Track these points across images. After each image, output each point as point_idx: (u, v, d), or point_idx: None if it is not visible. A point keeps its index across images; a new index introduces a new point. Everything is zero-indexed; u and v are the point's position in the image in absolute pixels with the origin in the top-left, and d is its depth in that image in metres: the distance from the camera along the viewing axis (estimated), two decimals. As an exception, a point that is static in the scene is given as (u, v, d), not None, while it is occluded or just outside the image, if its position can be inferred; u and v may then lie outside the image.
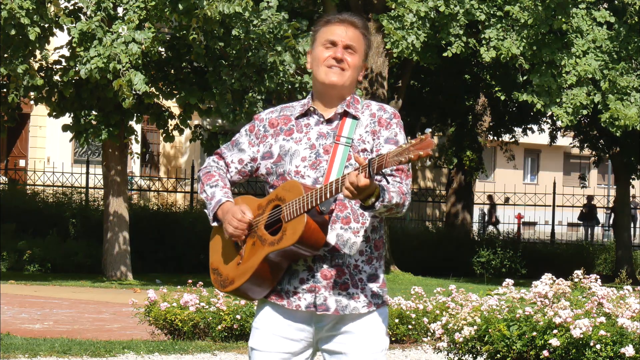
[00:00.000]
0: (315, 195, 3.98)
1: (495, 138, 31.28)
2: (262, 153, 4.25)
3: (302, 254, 4.06)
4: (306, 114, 4.25)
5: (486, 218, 34.99)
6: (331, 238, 4.10)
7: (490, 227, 34.43)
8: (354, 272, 4.14)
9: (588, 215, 35.99)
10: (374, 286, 4.18)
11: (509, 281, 9.03)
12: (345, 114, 4.21)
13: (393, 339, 11.17)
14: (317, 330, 4.17)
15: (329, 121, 4.21)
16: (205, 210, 4.29)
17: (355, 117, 4.20)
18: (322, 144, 4.17)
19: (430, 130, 3.82)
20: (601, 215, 40.47)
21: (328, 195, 3.96)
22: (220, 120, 20.45)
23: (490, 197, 35.11)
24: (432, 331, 9.13)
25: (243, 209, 4.14)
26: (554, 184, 32.46)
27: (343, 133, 4.17)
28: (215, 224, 4.25)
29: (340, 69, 4.17)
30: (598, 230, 39.55)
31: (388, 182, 4.09)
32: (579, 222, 38.61)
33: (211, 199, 4.23)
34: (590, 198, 35.78)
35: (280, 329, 4.17)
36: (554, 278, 8.60)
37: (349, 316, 4.15)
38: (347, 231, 4.12)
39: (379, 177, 4.09)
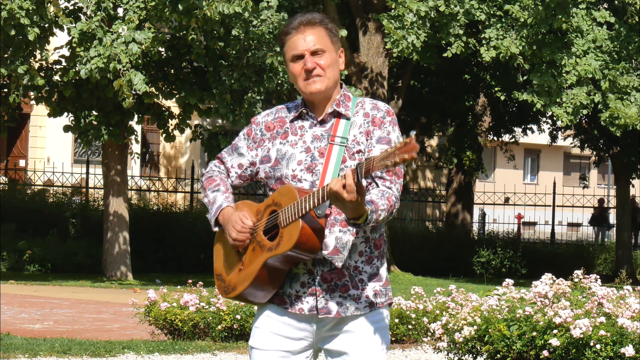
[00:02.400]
0: (310, 199, 3.98)
1: (495, 138, 31.28)
2: (261, 157, 4.27)
3: (301, 258, 4.08)
4: (300, 116, 4.25)
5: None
6: (330, 241, 4.11)
7: None
8: (354, 274, 4.15)
9: (599, 217, 35.84)
10: (376, 285, 4.18)
11: (509, 281, 9.03)
12: (337, 114, 4.21)
13: (393, 339, 11.18)
14: (318, 330, 4.18)
15: (322, 122, 4.21)
16: (208, 216, 4.30)
17: (347, 117, 4.20)
18: (316, 146, 4.17)
19: (414, 132, 3.82)
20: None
21: (321, 200, 3.96)
22: (220, 120, 20.46)
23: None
24: (432, 331, 9.13)
25: (243, 217, 4.15)
26: (554, 184, 32.46)
27: (337, 133, 4.16)
28: (217, 229, 4.26)
29: (317, 76, 4.16)
30: (592, 230, 39.55)
31: (377, 185, 4.09)
32: (579, 222, 38.58)
33: (212, 203, 4.25)
34: (601, 201, 35.70)
35: (280, 328, 4.18)
36: (554, 278, 8.60)
37: (350, 316, 4.15)
38: (346, 233, 4.12)
39: (369, 180, 4.10)
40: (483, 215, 35.30)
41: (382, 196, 4.04)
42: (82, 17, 18.48)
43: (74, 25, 17.81)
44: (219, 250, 4.31)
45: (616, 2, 23.21)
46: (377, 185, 4.12)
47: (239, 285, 4.19)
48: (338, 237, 4.12)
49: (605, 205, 36.03)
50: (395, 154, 3.77)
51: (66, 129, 19.65)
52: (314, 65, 4.15)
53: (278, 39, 4.29)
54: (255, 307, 4.35)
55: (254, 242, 4.15)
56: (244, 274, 4.16)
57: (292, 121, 4.24)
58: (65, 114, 19.48)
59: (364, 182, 4.05)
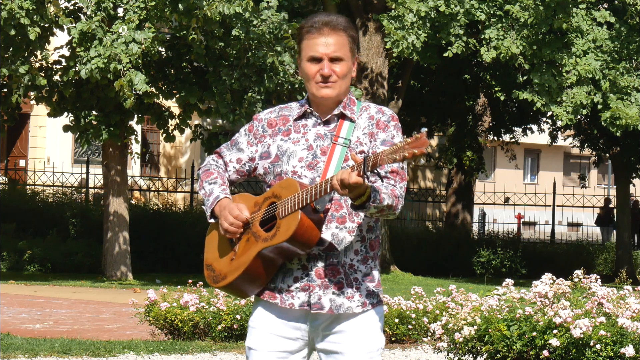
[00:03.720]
0: (311, 192, 3.99)
1: (496, 138, 31.28)
2: (260, 153, 4.26)
3: (295, 251, 4.07)
4: (304, 115, 4.25)
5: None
6: (326, 237, 4.11)
7: None
8: (349, 272, 4.15)
9: (605, 218, 35.72)
10: (369, 285, 4.18)
11: (509, 281, 9.03)
12: (343, 116, 4.21)
13: (393, 339, 11.18)
14: (312, 329, 4.18)
15: (326, 122, 4.22)
16: (203, 207, 4.30)
17: (351, 120, 4.20)
18: (319, 145, 4.18)
19: (425, 129, 3.81)
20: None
21: (323, 193, 3.96)
22: (220, 120, 20.46)
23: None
24: (432, 331, 9.13)
25: (240, 207, 4.15)
26: (554, 184, 32.46)
27: (341, 134, 4.17)
28: (212, 220, 4.26)
29: (331, 83, 4.15)
30: (595, 230, 39.51)
31: (384, 184, 4.09)
32: (579, 222, 38.58)
33: (209, 195, 4.25)
34: (607, 201, 35.61)
35: (276, 328, 4.18)
36: (554, 278, 8.60)
37: (344, 315, 4.15)
38: (343, 230, 4.12)
39: (373, 179, 4.09)
40: (483, 215, 35.30)
41: (385, 187, 4.05)
42: (82, 17, 18.49)
43: (74, 25, 17.81)
44: (211, 241, 4.29)
45: (616, 2, 23.22)
46: (382, 182, 4.12)
47: (229, 274, 4.17)
48: (334, 233, 4.12)
49: (612, 205, 35.87)
50: (404, 148, 3.77)
51: (66, 128, 19.65)
52: (330, 73, 4.14)
53: (297, 32, 4.25)
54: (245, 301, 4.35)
55: (248, 233, 4.14)
56: (236, 264, 4.15)
57: (295, 120, 4.24)
58: (65, 113, 19.49)
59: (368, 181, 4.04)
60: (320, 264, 4.12)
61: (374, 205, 3.94)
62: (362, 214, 4.12)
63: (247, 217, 4.13)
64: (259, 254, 4.08)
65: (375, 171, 3.98)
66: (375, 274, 4.21)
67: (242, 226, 4.14)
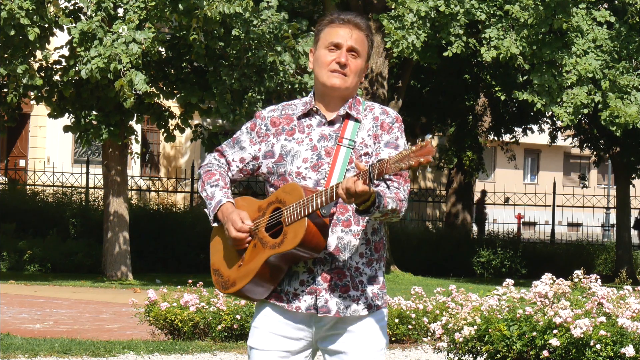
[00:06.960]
0: (316, 199, 3.97)
1: (496, 138, 31.27)
2: (264, 152, 4.24)
3: (303, 256, 4.07)
4: (308, 114, 4.23)
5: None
6: (332, 241, 4.10)
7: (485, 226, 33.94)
8: (355, 275, 4.15)
9: None
10: (374, 288, 4.18)
11: (509, 281, 9.03)
12: (348, 116, 4.19)
13: (393, 339, 11.18)
14: (317, 330, 4.18)
15: (330, 123, 4.19)
16: (206, 210, 4.28)
17: (357, 120, 4.18)
18: (324, 145, 4.16)
19: (430, 136, 3.82)
20: (601, 215, 40.41)
21: (329, 200, 3.95)
22: (220, 120, 20.46)
23: (483, 193, 34.47)
24: (432, 331, 9.13)
25: (242, 217, 4.13)
26: (554, 184, 32.45)
27: (345, 135, 4.15)
28: (215, 224, 4.24)
29: (343, 74, 4.14)
30: (598, 230, 39.45)
31: (388, 187, 4.08)
32: (579, 222, 38.60)
33: (211, 198, 4.22)
34: None
35: (279, 328, 4.18)
36: (554, 278, 8.60)
37: (350, 317, 4.15)
38: (348, 234, 4.12)
39: (377, 182, 4.08)
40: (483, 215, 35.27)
41: (390, 190, 4.04)
42: (82, 17, 18.49)
43: (74, 25, 17.82)
44: (216, 245, 4.28)
45: (616, 1, 23.22)
46: (388, 187, 4.11)
47: (238, 281, 4.17)
48: (340, 237, 4.11)
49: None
50: (410, 156, 3.74)
51: (66, 129, 19.65)
52: (347, 62, 4.14)
53: (318, 22, 4.26)
54: (254, 307, 4.34)
55: (255, 239, 4.12)
56: (245, 270, 4.14)
57: (299, 118, 4.22)
58: (66, 114, 19.49)
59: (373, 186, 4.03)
60: (327, 268, 4.11)
61: (379, 210, 3.94)
62: (367, 217, 4.12)
63: (251, 226, 4.12)
64: (267, 261, 4.07)
65: (381, 178, 3.97)
66: (380, 276, 4.21)
67: (248, 235, 4.13)
